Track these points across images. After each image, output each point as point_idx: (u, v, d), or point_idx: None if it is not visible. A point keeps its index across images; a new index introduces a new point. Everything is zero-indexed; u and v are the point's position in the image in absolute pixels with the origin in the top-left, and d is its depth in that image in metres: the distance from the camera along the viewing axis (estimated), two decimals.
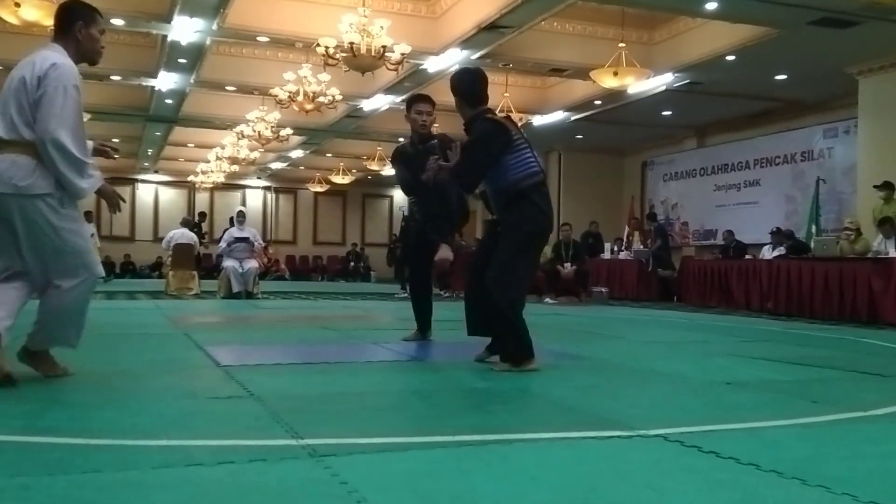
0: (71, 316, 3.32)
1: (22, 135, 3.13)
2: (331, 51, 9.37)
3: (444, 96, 14.32)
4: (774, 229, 12.44)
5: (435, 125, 5.26)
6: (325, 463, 2.11)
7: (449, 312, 8.90)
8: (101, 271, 3.43)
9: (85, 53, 3.37)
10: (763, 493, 1.93)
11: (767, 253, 11.83)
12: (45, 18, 8.60)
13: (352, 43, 9.15)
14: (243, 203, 24.62)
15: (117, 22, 10.65)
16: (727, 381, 3.83)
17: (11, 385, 3.12)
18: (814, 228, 12.35)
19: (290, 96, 11.67)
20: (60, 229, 3.20)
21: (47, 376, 3.37)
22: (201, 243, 17.02)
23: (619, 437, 2.49)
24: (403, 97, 14.08)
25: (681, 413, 3.06)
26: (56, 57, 3.21)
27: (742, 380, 3.93)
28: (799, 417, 2.90)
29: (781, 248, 11.59)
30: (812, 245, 10.74)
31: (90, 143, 3.40)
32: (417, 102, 5.17)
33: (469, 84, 4.20)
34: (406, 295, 13.14)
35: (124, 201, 3.72)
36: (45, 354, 3.42)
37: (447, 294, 13.95)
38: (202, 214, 20.77)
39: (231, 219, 12.59)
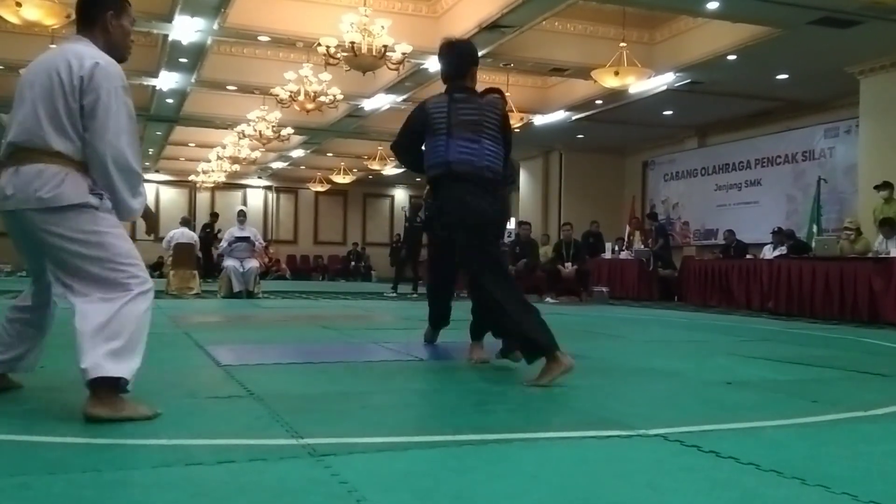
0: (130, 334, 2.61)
1: (50, 144, 2.62)
2: (332, 50, 9.37)
3: None
4: (776, 229, 12.43)
5: None
6: (325, 462, 2.11)
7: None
8: (151, 282, 2.79)
9: (114, 48, 2.83)
10: (763, 493, 1.93)
11: (768, 252, 11.83)
12: (47, 18, 8.61)
13: (353, 42, 9.15)
14: (244, 203, 24.64)
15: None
16: (727, 381, 3.83)
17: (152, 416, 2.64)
18: (815, 228, 12.35)
19: (290, 96, 11.67)
20: (100, 233, 2.65)
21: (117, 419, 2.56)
22: (213, 244, 16.96)
23: (618, 436, 2.49)
24: (404, 97, 14.11)
25: (680, 413, 3.06)
26: (95, 53, 2.72)
27: (742, 379, 3.93)
28: (799, 417, 2.90)
29: (783, 247, 11.59)
30: (813, 245, 10.74)
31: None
32: None
33: (441, 57, 4.03)
34: (396, 295, 13.10)
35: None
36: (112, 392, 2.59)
37: None
38: (214, 215, 20.73)
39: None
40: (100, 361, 2.52)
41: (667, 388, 3.68)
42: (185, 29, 10.65)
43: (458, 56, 3.97)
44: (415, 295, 13.04)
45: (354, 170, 23.26)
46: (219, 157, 19.89)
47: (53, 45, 10.79)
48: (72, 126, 2.65)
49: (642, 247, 13.76)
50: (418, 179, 26.16)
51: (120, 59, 2.85)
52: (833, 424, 2.83)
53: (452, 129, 3.75)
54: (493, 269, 3.73)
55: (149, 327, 2.71)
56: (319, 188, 25.63)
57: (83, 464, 2.08)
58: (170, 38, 11.15)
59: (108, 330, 2.56)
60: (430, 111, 3.84)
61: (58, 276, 2.70)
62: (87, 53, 2.70)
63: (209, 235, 18.25)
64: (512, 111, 13.11)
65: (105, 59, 2.72)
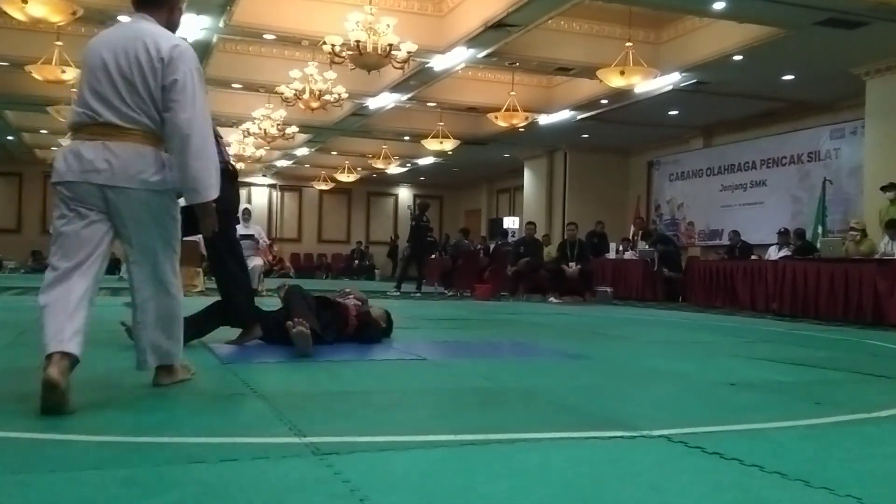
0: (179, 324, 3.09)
1: (141, 123, 2.77)
2: (337, 49, 9.37)
3: (449, 95, 14.29)
4: (782, 230, 12.41)
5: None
6: (327, 461, 2.10)
7: (452, 311, 8.91)
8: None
9: (172, 29, 2.96)
10: (767, 495, 1.92)
11: (774, 253, 11.80)
12: (52, 15, 8.62)
13: (358, 41, 9.15)
14: (249, 201, 24.66)
15: (124, 19, 10.65)
16: (731, 382, 3.82)
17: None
18: (820, 229, 12.31)
19: (296, 94, 11.68)
20: (176, 219, 2.97)
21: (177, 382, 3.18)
22: None
23: (622, 437, 2.48)
24: (409, 95, 14.12)
25: (684, 414, 3.05)
26: (170, 35, 2.87)
27: (746, 381, 3.92)
28: (803, 419, 2.88)
29: (787, 248, 11.56)
30: (818, 246, 10.72)
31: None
32: None
33: None
34: (399, 294, 13.08)
35: None
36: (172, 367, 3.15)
37: (451, 293, 13.95)
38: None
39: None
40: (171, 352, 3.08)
41: (671, 389, 3.67)
42: (191, 27, 10.64)
43: None
44: (418, 294, 13.04)
45: (359, 168, 23.27)
46: None
47: (59, 43, 10.80)
48: (154, 106, 2.75)
49: (647, 247, 13.74)
50: (422, 179, 26.18)
51: None
52: (837, 426, 2.82)
53: None
54: None
55: None
56: (324, 186, 25.65)
57: (85, 462, 2.08)
58: None
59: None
60: None
61: (146, 257, 2.94)
62: (163, 34, 2.82)
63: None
64: (516, 110, 13.11)
65: (182, 42, 2.83)
